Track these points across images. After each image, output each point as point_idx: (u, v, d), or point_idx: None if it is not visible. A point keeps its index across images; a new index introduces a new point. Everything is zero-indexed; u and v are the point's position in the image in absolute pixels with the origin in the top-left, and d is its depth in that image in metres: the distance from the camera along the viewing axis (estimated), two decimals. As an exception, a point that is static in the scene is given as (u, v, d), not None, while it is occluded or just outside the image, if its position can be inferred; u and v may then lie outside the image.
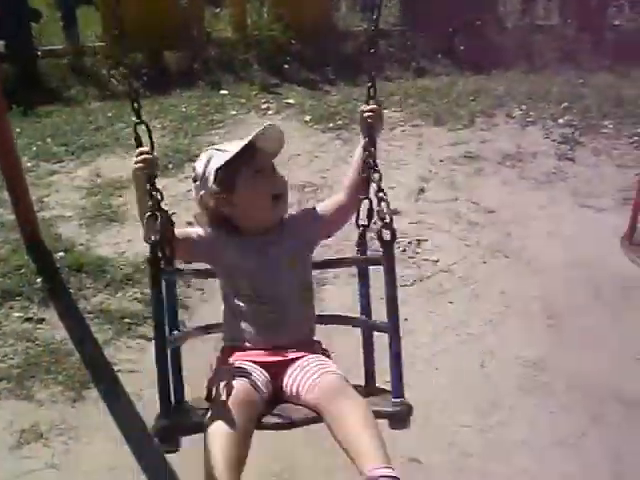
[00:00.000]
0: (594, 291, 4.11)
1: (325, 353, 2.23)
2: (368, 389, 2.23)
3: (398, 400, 2.02)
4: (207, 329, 2.42)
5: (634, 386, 3.49)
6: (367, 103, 2.29)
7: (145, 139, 2.10)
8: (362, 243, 2.33)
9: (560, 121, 6.21)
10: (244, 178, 2.19)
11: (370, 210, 2.19)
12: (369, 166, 2.19)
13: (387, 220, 2.04)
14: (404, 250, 4.47)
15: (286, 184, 2.26)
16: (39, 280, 4.15)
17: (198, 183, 2.24)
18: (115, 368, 3.61)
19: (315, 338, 2.28)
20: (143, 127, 2.10)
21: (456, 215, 4.84)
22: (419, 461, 3.15)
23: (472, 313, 3.98)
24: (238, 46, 7.76)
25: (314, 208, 2.34)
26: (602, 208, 4.94)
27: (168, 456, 2.95)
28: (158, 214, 2.02)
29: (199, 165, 2.23)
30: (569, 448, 3.21)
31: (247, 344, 2.18)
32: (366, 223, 2.24)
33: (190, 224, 2.39)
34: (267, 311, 2.17)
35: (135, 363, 3.61)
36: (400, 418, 2.03)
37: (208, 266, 2.30)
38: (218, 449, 1.84)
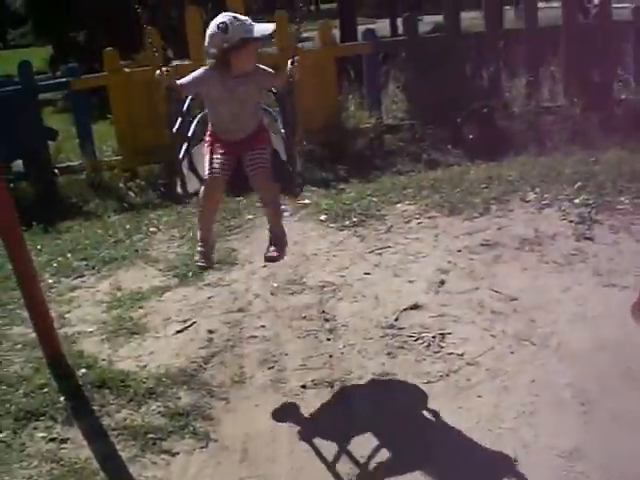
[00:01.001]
0: (625, 371, 4.00)
1: (265, 133, 3.99)
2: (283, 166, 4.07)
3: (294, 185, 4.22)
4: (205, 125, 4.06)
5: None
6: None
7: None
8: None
9: (576, 201, 6.20)
10: (251, 47, 3.73)
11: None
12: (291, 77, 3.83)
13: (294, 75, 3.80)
14: (428, 345, 4.41)
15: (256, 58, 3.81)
16: (62, 398, 4.12)
17: (224, 36, 3.64)
18: (141, 486, 3.54)
19: (260, 127, 3.98)
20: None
21: (479, 305, 4.78)
22: None
23: (502, 406, 3.87)
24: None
25: (268, 75, 3.89)
26: (625, 286, 4.85)
27: None
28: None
29: (228, 24, 3.65)
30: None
31: (221, 136, 3.91)
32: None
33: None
34: (232, 121, 3.86)
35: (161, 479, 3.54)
36: (293, 191, 4.32)
37: None
38: (204, 201, 3.92)
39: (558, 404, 3.85)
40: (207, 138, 3.97)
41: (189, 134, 4.15)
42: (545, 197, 6.36)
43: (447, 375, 4.14)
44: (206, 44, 3.75)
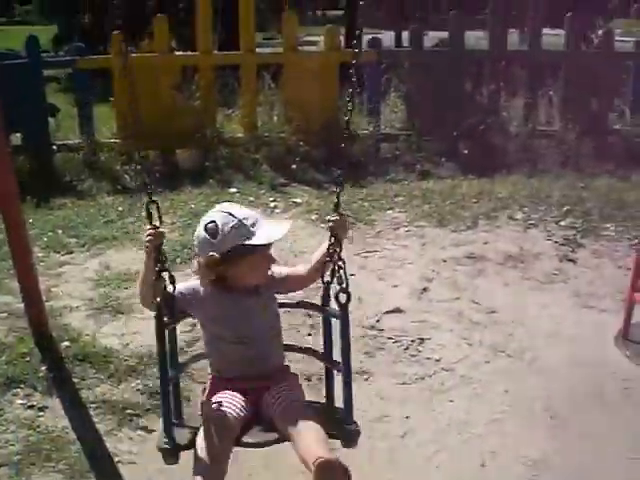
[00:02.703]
0: (596, 390, 4.11)
1: (294, 376, 2.82)
2: (328, 408, 2.82)
3: (349, 426, 2.58)
4: (197, 358, 3.05)
5: (636, 488, 3.46)
6: (334, 212, 2.76)
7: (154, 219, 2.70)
8: (325, 296, 2.80)
9: (562, 223, 6.34)
10: (254, 259, 2.65)
11: (333, 271, 2.66)
12: (334, 260, 2.66)
13: (344, 284, 2.60)
14: (406, 348, 4.51)
15: (273, 260, 2.75)
16: (44, 368, 4.18)
17: (212, 242, 2.60)
18: (115, 459, 3.60)
19: (285, 364, 2.86)
20: (154, 206, 2.68)
21: (458, 314, 4.89)
22: None
23: (474, 412, 3.97)
24: (248, 146, 7.98)
25: (280, 274, 2.81)
26: (603, 309, 4.99)
27: None
28: (163, 277, 2.57)
29: (217, 227, 2.60)
30: None
31: (230, 375, 2.71)
32: (330, 280, 2.71)
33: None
34: (245, 349, 2.68)
35: (136, 455, 3.60)
36: (349, 440, 2.60)
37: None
38: (203, 464, 2.43)
39: (528, 415, 3.95)
40: (207, 386, 2.79)
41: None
42: (532, 217, 6.49)
43: (422, 378, 4.23)
44: (195, 249, 2.72)
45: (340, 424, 2.58)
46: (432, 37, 15.41)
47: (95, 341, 4.48)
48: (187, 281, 2.76)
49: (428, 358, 4.42)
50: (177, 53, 8.86)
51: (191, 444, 2.51)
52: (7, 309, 4.85)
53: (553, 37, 10.39)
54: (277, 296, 2.84)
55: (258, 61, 8.52)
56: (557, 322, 4.83)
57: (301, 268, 2.85)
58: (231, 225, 2.59)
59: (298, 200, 6.92)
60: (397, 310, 4.90)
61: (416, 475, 3.51)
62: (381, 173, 7.96)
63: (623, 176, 7.71)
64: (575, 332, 4.71)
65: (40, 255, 5.63)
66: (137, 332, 4.61)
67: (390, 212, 6.63)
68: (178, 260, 5.51)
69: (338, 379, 2.72)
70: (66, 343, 4.43)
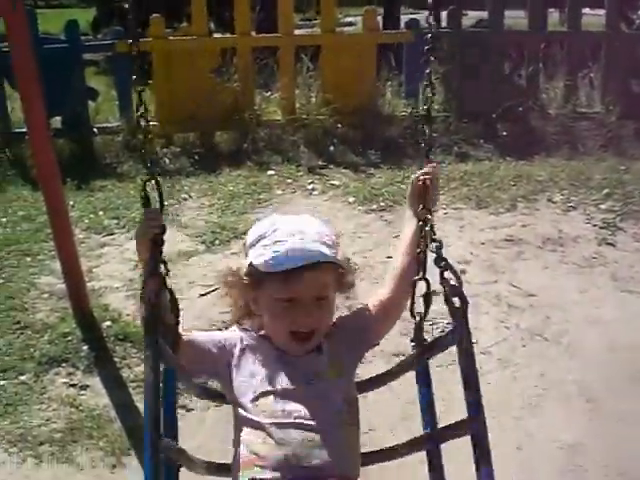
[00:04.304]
0: (633, 375, 4.09)
1: None
2: None
3: None
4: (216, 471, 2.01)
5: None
6: (420, 168, 2.05)
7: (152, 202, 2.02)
8: (419, 336, 2.02)
9: (602, 207, 6.27)
10: (266, 299, 1.86)
11: (427, 295, 1.94)
12: (425, 235, 1.94)
13: (455, 284, 1.84)
14: (442, 331, 4.51)
15: (322, 319, 1.86)
16: (85, 348, 4.28)
17: (243, 261, 1.94)
18: (155, 437, 3.67)
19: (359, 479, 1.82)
20: (153, 183, 2.00)
21: (496, 297, 4.88)
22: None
23: (510, 395, 3.98)
24: (286, 128, 8.00)
25: (361, 311, 2.01)
26: (643, 293, 4.95)
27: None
28: (162, 273, 1.87)
29: (249, 236, 1.97)
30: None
31: (269, 475, 1.73)
32: (423, 311, 1.98)
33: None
34: (298, 436, 1.75)
35: (175, 432, 3.67)
36: None
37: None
38: None
39: (564, 399, 3.95)
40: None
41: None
42: (572, 200, 6.43)
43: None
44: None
45: None
46: (470, 17, 15.25)
47: (135, 321, 4.54)
48: (228, 330, 1.99)
49: (465, 341, 4.42)
50: (215, 36, 8.86)
51: None
52: (49, 290, 4.95)
53: (593, 17, 10.21)
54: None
55: (296, 43, 8.49)
56: (596, 306, 4.80)
57: (382, 290, 2.04)
58: (259, 232, 1.91)
59: (336, 182, 6.92)
60: (434, 293, 4.88)
61: (452, 458, 3.51)
62: (419, 155, 7.90)
63: (666, 159, 7.59)
64: (614, 316, 4.68)
65: (81, 237, 5.72)
66: (176, 312, 4.66)
67: (427, 195, 6.59)
68: (217, 242, 5.58)
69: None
70: (107, 323, 4.51)
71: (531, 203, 6.38)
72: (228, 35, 8.92)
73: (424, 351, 2.00)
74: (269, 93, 8.69)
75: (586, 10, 9.02)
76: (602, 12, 8.98)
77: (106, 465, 3.50)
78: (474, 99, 8.32)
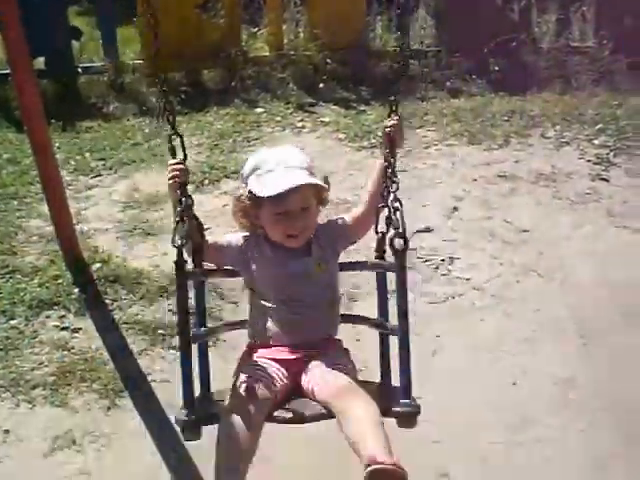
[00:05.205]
0: (628, 311, 4.08)
1: (345, 352, 2.47)
2: (382, 387, 2.44)
3: (406, 401, 2.17)
4: (231, 326, 2.80)
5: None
6: (389, 117, 2.52)
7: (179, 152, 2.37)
8: (380, 249, 2.45)
9: (595, 142, 6.20)
10: (266, 214, 2.39)
11: (388, 218, 2.29)
12: (388, 176, 2.35)
13: (400, 229, 2.20)
14: (437, 267, 4.49)
15: (307, 223, 2.40)
16: (76, 291, 4.23)
17: (240, 183, 2.47)
18: (149, 378, 3.67)
19: (337, 337, 2.50)
20: (178, 140, 2.35)
21: (490, 234, 4.84)
22: (448, 476, 3.15)
23: (504, 331, 3.98)
24: (274, 65, 7.84)
25: (339, 221, 2.51)
26: (637, 229, 4.91)
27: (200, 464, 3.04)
28: (187, 220, 2.24)
29: (245, 168, 2.44)
30: (600, 469, 3.19)
31: (271, 341, 2.40)
32: (385, 230, 2.35)
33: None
34: (291, 313, 2.38)
35: (168, 373, 3.64)
36: (407, 418, 2.18)
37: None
38: (227, 440, 2.09)
39: (559, 335, 3.95)
40: (240, 357, 2.52)
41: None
42: (565, 135, 6.35)
43: (452, 297, 4.23)
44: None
45: (396, 401, 2.18)
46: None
47: (126, 262, 4.52)
48: (235, 233, 2.52)
49: (458, 277, 4.41)
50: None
51: (216, 418, 2.16)
52: (38, 232, 4.89)
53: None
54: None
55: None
56: (589, 242, 4.78)
57: (357, 208, 2.52)
58: (253, 164, 2.42)
59: (326, 119, 6.81)
60: (427, 230, 4.86)
61: (446, 393, 3.52)
62: (410, 91, 7.80)
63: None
64: (608, 251, 4.66)
65: (68, 179, 5.62)
66: (167, 253, 4.60)
67: (420, 131, 6.51)
68: (206, 182, 5.49)
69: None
70: (97, 265, 4.46)
71: (524, 139, 6.29)
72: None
73: (374, 264, 2.51)
74: (256, 29, 8.50)
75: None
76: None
77: (101, 407, 3.49)
78: (466, 33, 8.16)
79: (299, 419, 2.20)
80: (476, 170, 5.72)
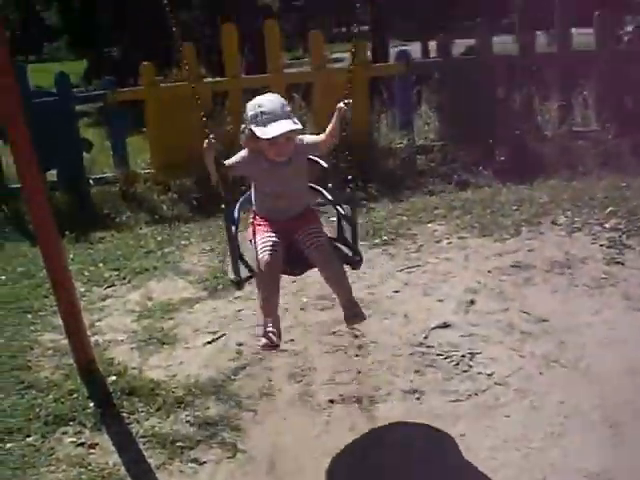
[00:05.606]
0: (656, 398, 3.97)
1: (317, 218, 3.77)
2: (339, 240, 3.88)
3: (356, 256, 3.76)
4: (245, 204, 3.90)
5: None
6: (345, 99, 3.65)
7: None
8: (334, 182, 3.91)
9: (606, 225, 6.18)
10: (264, 144, 3.49)
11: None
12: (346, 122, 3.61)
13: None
14: (457, 364, 4.40)
15: (289, 148, 3.52)
16: (92, 405, 4.16)
17: (245, 119, 3.57)
18: (168, 493, 3.57)
19: (312, 207, 3.82)
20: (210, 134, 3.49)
21: (508, 326, 4.77)
22: None
23: (531, 426, 3.86)
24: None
25: (310, 142, 3.64)
26: (657, 311, 4.84)
27: None
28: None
29: (247, 112, 3.55)
30: None
31: (268, 216, 3.68)
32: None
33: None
34: (280, 200, 3.65)
35: (188, 487, 3.56)
36: (356, 267, 3.81)
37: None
38: (263, 289, 3.56)
39: (587, 426, 3.83)
40: (251, 221, 3.76)
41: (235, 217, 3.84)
42: (576, 221, 6.34)
43: (475, 394, 4.13)
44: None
45: (350, 256, 3.74)
46: (458, 44, 15.32)
47: (142, 374, 4.46)
48: (241, 153, 3.60)
49: (480, 373, 4.32)
50: (206, 79, 8.84)
51: (251, 277, 3.63)
52: (52, 346, 4.87)
53: (580, 36, 10.22)
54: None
55: (287, 81, 8.50)
56: (610, 327, 4.69)
57: (321, 136, 3.65)
58: (252, 113, 3.51)
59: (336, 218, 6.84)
60: (445, 325, 4.80)
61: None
62: (418, 186, 7.88)
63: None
64: (630, 337, 4.57)
65: (82, 290, 5.65)
66: (183, 362, 4.59)
67: (430, 225, 6.53)
68: (220, 287, 5.53)
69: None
70: (113, 377, 4.41)
71: (535, 227, 6.29)
72: (219, 78, 8.92)
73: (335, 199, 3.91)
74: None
75: (573, 30, 9.05)
76: (589, 31, 8.98)
77: (120, 527, 3.38)
78: (469, 126, 8.29)
79: (299, 273, 3.83)
80: (489, 261, 5.69)
